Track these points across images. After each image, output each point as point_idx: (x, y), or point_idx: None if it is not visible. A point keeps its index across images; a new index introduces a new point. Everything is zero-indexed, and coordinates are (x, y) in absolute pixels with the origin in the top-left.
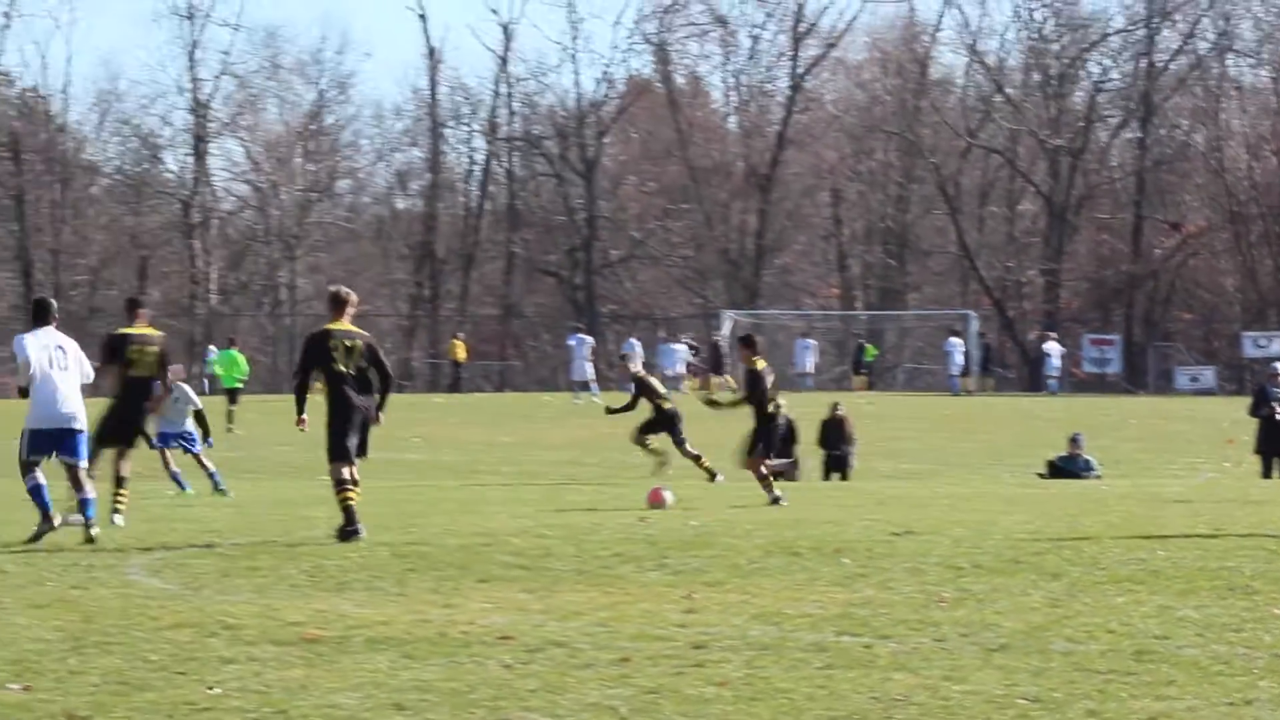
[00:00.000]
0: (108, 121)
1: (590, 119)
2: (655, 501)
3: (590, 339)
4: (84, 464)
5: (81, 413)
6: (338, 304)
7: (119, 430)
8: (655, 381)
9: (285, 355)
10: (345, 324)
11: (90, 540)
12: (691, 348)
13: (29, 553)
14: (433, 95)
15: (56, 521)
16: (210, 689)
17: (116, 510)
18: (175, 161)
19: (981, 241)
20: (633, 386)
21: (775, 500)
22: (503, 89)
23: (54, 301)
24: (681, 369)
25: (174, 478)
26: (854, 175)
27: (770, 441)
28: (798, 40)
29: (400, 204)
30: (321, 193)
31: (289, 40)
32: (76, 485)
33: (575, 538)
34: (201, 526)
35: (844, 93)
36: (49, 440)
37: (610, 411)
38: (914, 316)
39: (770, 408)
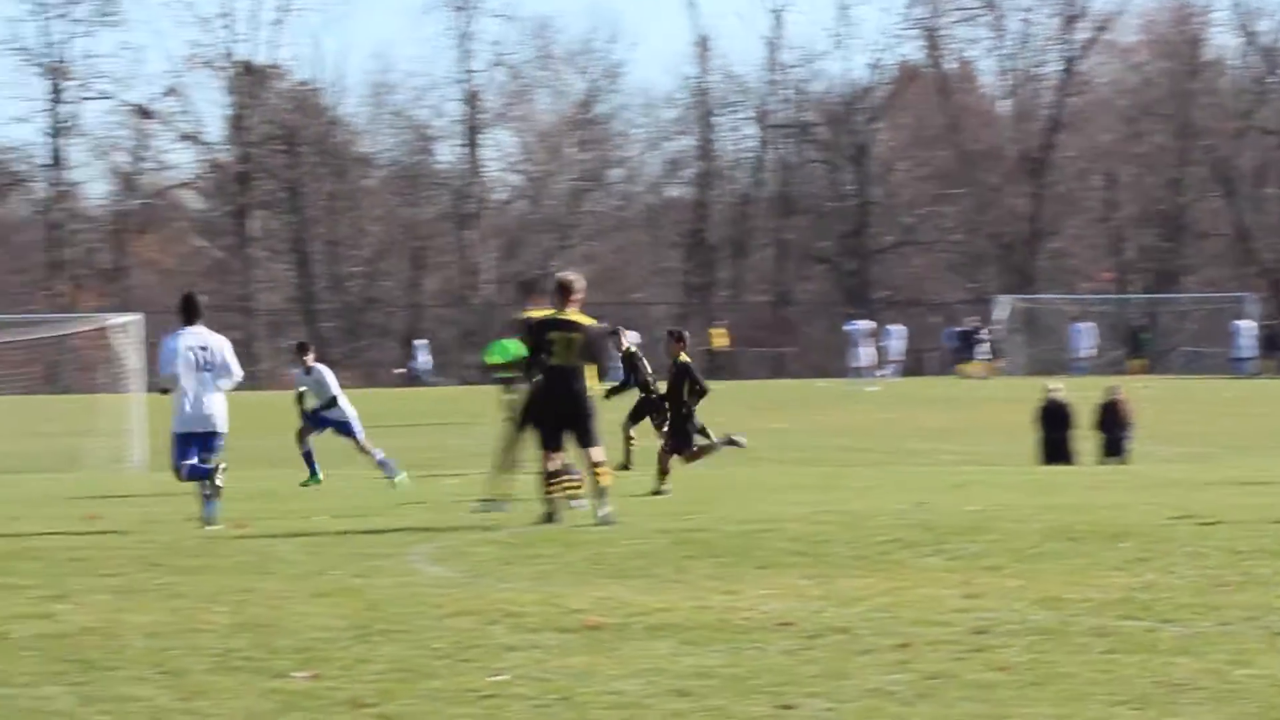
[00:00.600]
0: (381, 113)
1: (861, 105)
2: None
3: (868, 324)
4: (219, 461)
5: (223, 414)
6: (563, 291)
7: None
8: (645, 363)
9: None
10: (569, 313)
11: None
12: (969, 333)
13: (315, 542)
14: (703, 83)
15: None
16: (494, 676)
17: (574, 498)
18: (448, 152)
19: (1258, 223)
20: (623, 366)
21: (658, 492)
22: (773, 76)
23: (202, 298)
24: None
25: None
26: (1128, 158)
27: (682, 431)
28: (1069, 23)
29: (671, 192)
30: (593, 182)
31: (559, 30)
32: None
33: (853, 523)
34: (483, 515)
35: (1116, 75)
36: (194, 441)
37: (610, 394)
38: (1190, 299)
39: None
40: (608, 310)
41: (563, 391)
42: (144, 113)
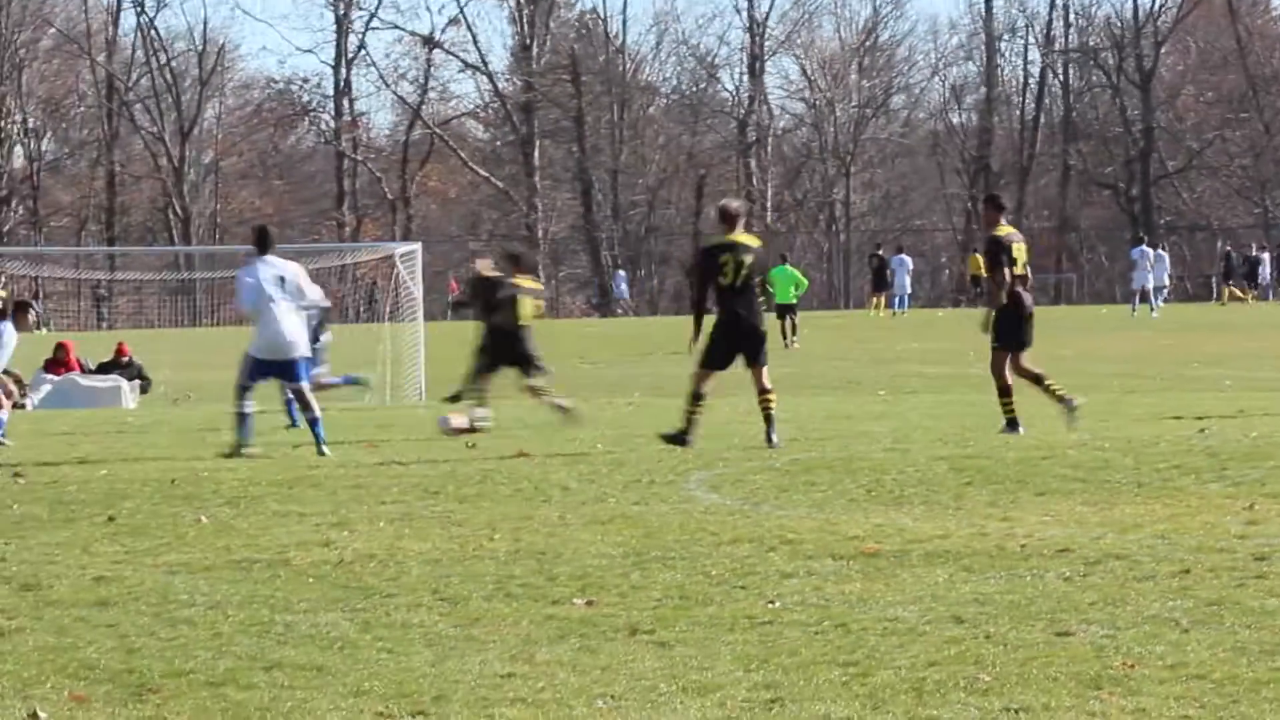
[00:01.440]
0: (665, 42)
1: (1147, 29)
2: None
3: (1154, 251)
4: (307, 386)
5: (302, 339)
6: (726, 218)
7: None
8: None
9: (839, 271)
10: (740, 236)
11: (322, 454)
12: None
13: (592, 470)
14: (988, 9)
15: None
16: (770, 602)
17: (768, 418)
18: (731, 81)
19: None
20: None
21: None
22: (1058, 1)
23: (273, 230)
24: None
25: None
26: None
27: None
28: None
29: (955, 118)
30: (876, 109)
31: None
32: (305, 406)
33: (1133, 450)
34: (757, 441)
35: None
36: (269, 369)
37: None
38: None
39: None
40: (890, 236)
41: (738, 313)
42: (429, 43)
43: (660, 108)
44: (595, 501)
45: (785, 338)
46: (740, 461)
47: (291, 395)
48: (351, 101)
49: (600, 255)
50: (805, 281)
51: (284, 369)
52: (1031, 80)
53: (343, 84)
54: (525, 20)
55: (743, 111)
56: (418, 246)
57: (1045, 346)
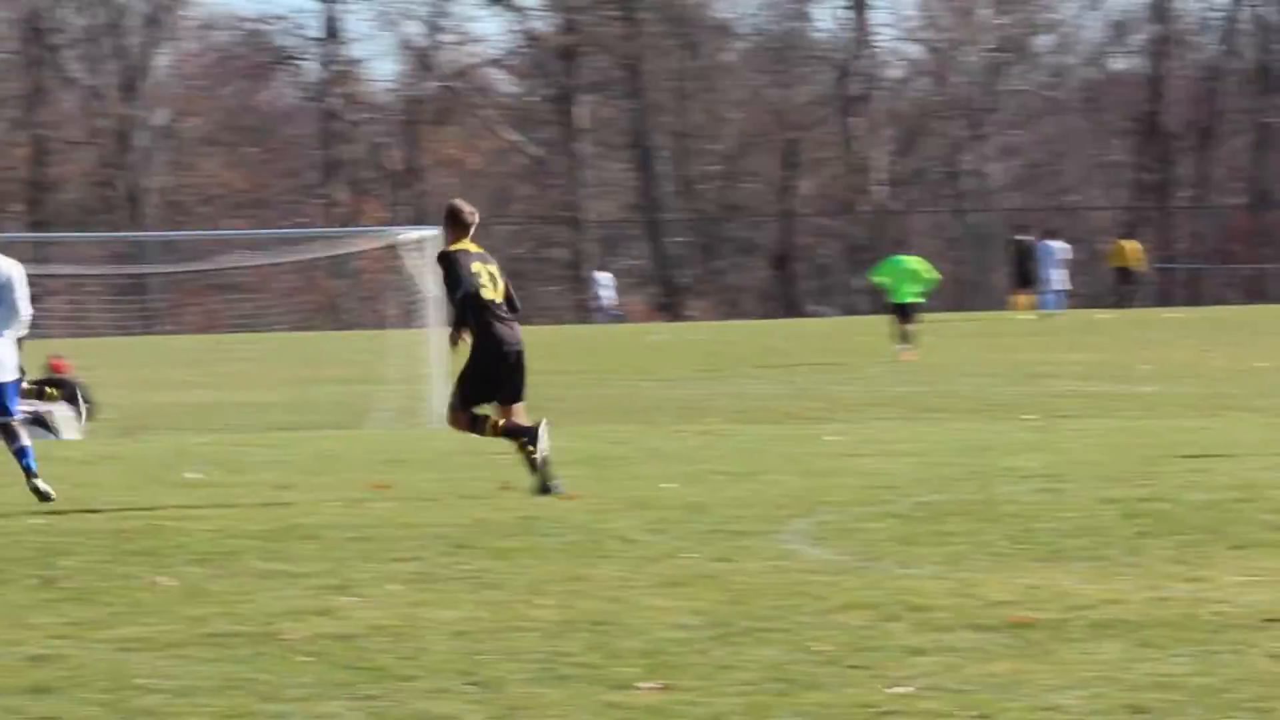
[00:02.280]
0: None
1: None
2: None
3: None
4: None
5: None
6: (458, 224)
7: None
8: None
9: (972, 261)
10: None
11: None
12: None
13: (661, 517)
14: None
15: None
16: (893, 687)
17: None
18: (829, 18)
19: None
20: None
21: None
22: None
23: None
24: None
25: None
26: None
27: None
28: None
29: (1118, 65)
30: (1016, 53)
31: None
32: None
33: None
34: (872, 480)
35: None
36: None
37: None
38: None
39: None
40: (1035, 217)
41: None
42: None
43: (739, 53)
44: (666, 557)
45: (904, 342)
46: (850, 506)
47: None
48: (344, 47)
49: (661, 244)
50: (933, 275)
51: None
52: (1215, 15)
53: (331, 25)
54: None
55: (844, 57)
56: (432, 231)
57: (1232, 356)
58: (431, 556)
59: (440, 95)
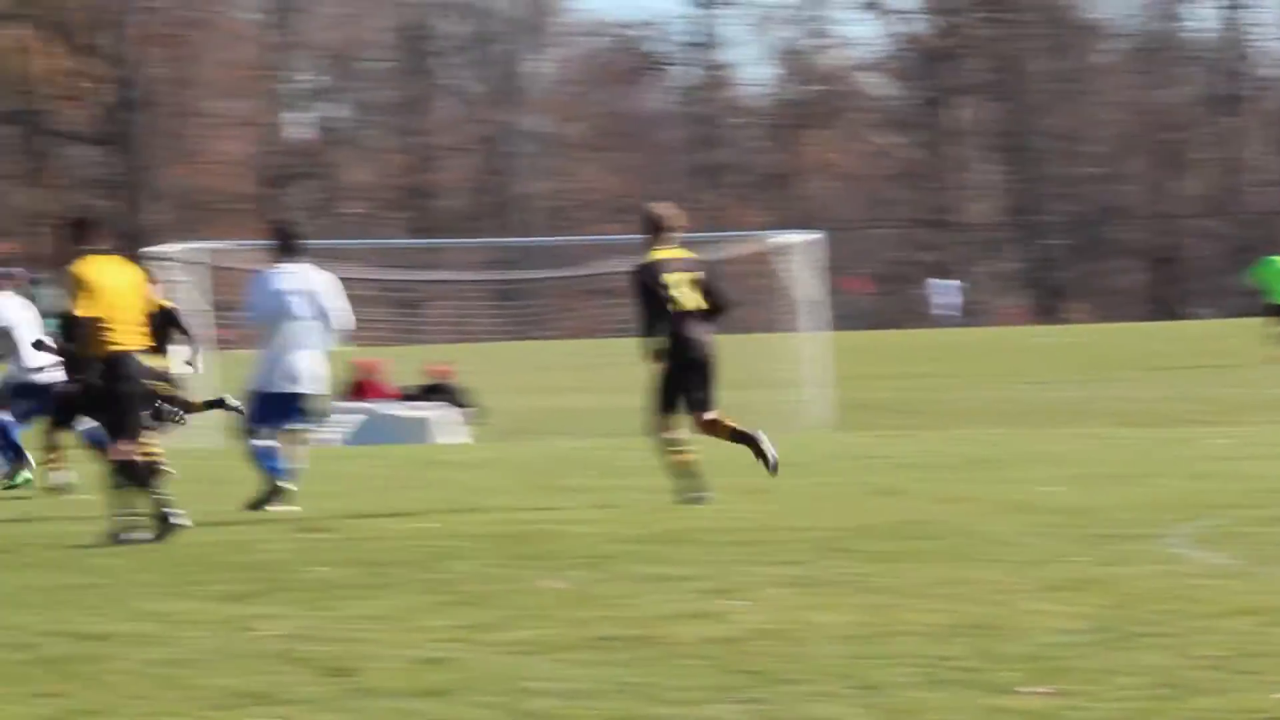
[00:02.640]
0: None
1: None
2: None
3: None
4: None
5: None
6: (656, 228)
7: None
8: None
9: None
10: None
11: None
12: None
13: (1042, 521)
14: None
15: None
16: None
17: None
18: (1205, 17)
19: None
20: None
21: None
22: None
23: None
24: None
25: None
26: None
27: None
28: None
29: None
30: None
31: None
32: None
33: None
34: (1257, 484)
35: None
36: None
37: None
38: None
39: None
40: None
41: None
42: None
43: (1115, 54)
44: (1049, 561)
45: (1277, 346)
46: (1235, 510)
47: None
48: (718, 51)
49: (1040, 245)
50: None
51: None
52: None
53: (706, 30)
54: None
55: (1220, 57)
56: (808, 236)
57: None
58: (812, 560)
59: (813, 99)
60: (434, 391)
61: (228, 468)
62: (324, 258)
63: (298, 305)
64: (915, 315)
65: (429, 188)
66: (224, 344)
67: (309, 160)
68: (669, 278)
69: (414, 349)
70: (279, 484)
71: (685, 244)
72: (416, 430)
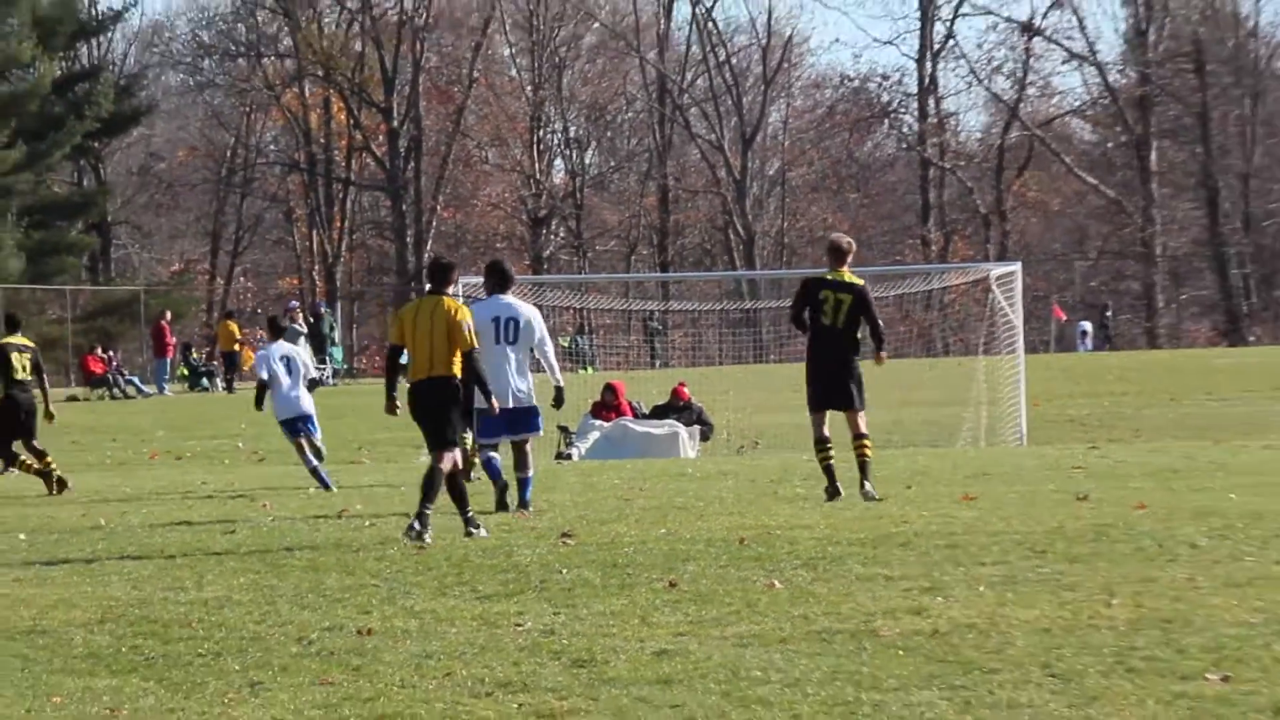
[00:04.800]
0: None
1: None
2: None
3: None
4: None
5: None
6: (835, 254)
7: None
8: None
9: None
10: (842, 274)
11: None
12: None
13: (1224, 525)
14: None
15: None
16: None
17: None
18: None
19: None
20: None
21: None
22: None
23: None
24: None
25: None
26: None
27: None
28: None
29: None
30: None
31: None
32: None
33: None
34: None
35: None
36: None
37: None
38: None
39: None
40: None
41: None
42: (1028, 30)
43: None
44: (1230, 560)
45: None
46: None
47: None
48: (938, 100)
49: (1228, 275)
50: None
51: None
52: None
53: (928, 80)
54: (1141, 2)
55: None
56: (1016, 266)
57: None
58: (1014, 561)
59: (1025, 143)
60: (674, 409)
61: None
62: (579, 290)
63: (506, 332)
64: (1121, 337)
65: (672, 226)
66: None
67: (567, 202)
68: (826, 293)
69: (658, 372)
70: (503, 488)
71: (916, 275)
72: (658, 445)
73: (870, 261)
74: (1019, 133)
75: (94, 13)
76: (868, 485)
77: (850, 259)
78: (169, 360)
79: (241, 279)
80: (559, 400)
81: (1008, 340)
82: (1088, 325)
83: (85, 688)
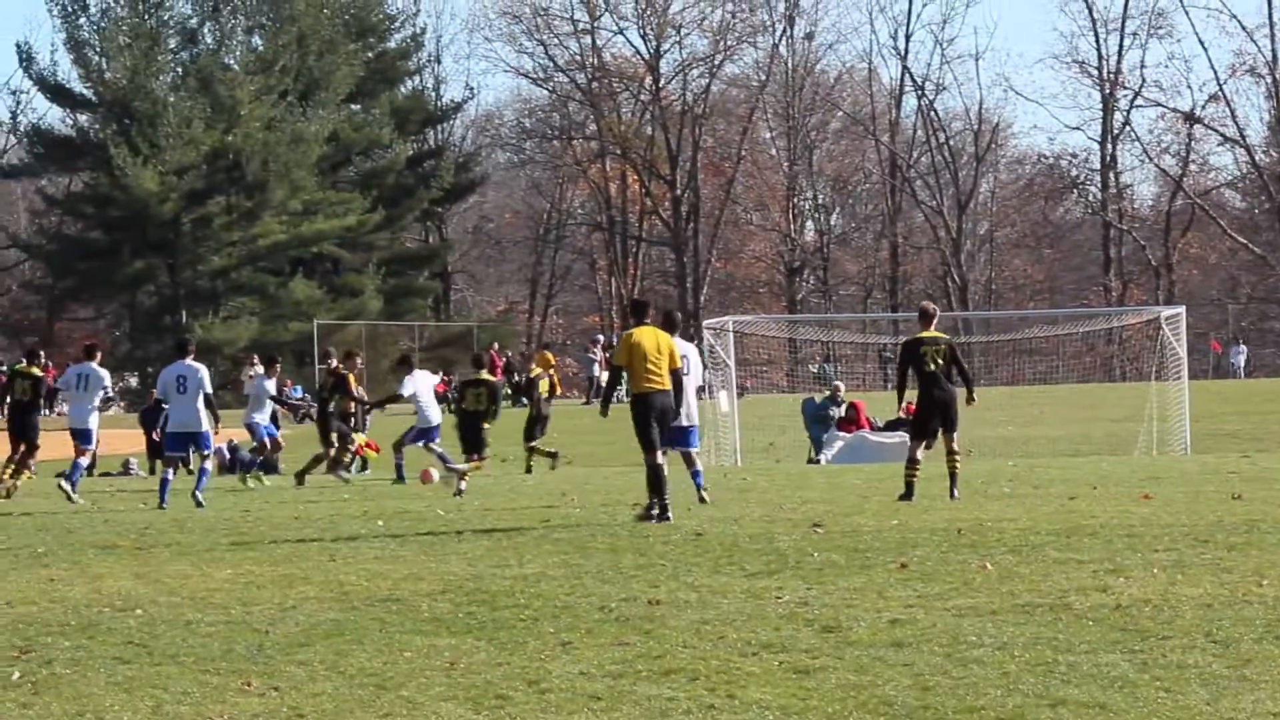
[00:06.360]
0: None
1: None
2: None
3: None
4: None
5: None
6: (924, 317)
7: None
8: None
9: None
10: (932, 331)
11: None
12: None
13: None
14: None
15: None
16: None
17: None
18: None
19: None
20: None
21: None
22: None
23: (678, 314)
24: None
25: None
26: None
27: None
28: None
29: None
30: None
31: None
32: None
33: None
34: None
35: None
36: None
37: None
38: None
39: None
40: None
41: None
42: (1190, 119)
43: None
44: None
45: None
46: None
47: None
48: (1117, 175)
49: None
50: None
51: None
52: None
53: (1109, 158)
54: None
55: None
56: (1181, 310)
57: None
58: (1182, 548)
59: (1187, 209)
60: (904, 423)
61: (746, 481)
62: (826, 327)
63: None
64: (1266, 367)
65: (901, 276)
66: (741, 390)
67: (816, 256)
68: (925, 349)
69: (890, 393)
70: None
71: (1099, 316)
72: (891, 452)
73: (1061, 304)
74: (1182, 201)
75: (439, 104)
76: (955, 491)
77: (936, 321)
78: (499, 381)
79: (554, 316)
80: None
81: (1174, 368)
82: (1243, 347)
83: (430, 645)
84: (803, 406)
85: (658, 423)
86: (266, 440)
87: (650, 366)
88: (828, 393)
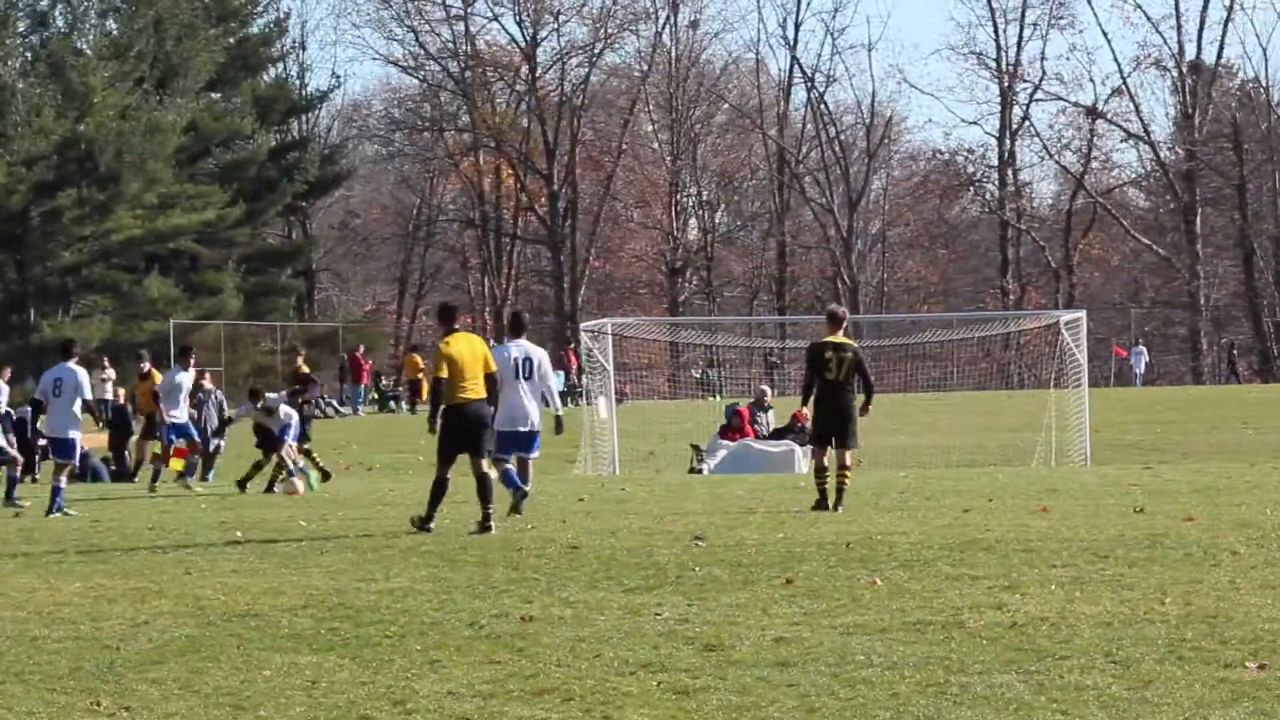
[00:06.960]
0: None
1: None
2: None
3: None
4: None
5: (536, 416)
6: (833, 321)
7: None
8: None
9: None
10: (839, 338)
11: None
12: None
13: (1261, 535)
14: None
15: None
16: None
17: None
18: None
19: None
20: None
21: None
22: None
23: (527, 315)
24: None
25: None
26: None
27: None
28: None
29: None
30: None
31: None
32: (519, 478)
33: None
34: None
35: None
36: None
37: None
38: None
39: None
40: None
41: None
42: (1093, 114)
43: None
44: (1266, 566)
45: None
46: None
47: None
48: (1015, 172)
49: (1262, 322)
50: None
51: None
52: None
53: (1007, 154)
54: (1187, 90)
55: None
56: (1081, 314)
57: None
58: (1081, 564)
59: (1088, 209)
60: (791, 431)
61: (625, 491)
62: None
63: (521, 369)
64: (1169, 375)
65: (789, 276)
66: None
67: (699, 255)
68: (829, 355)
69: (777, 400)
70: (519, 493)
71: (995, 320)
72: (777, 462)
73: (956, 308)
74: (1084, 200)
75: (303, 93)
76: (840, 506)
77: (845, 327)
78: (363, 386)
79: (423, 317)
80: (559, 427)
81: (1074, 375)
82: (1143, 348)
83: (290, 663)
84: (726, 412)
85: (475, 430)
86: (196, 437)
87: (467, 377)
88: (716, 399)
